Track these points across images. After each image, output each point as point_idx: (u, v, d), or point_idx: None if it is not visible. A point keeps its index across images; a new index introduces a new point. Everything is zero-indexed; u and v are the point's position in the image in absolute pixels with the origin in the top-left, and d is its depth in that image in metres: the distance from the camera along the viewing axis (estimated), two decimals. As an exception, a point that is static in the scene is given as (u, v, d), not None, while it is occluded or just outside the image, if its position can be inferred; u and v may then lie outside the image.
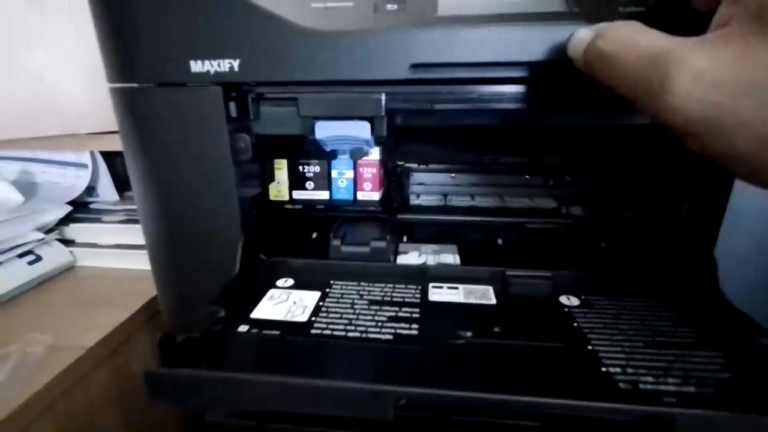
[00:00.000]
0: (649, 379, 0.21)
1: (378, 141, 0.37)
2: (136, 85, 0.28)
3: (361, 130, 0.28)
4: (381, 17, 0.26)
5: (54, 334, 0.44)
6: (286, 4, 0.26)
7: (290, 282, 0.32)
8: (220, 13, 0.25)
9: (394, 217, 0.40)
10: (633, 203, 0.41)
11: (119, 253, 0.61)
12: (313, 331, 0.25)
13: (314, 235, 0.39)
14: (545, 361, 0.23)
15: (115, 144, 0.52)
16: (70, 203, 0.61)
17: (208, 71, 0.27)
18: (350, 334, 0.25)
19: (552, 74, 0.25)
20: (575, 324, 0.26)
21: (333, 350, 0.23)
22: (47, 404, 0.39)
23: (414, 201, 0.49)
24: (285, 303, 0.29)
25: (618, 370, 0.22)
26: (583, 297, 0.29)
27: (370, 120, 0.28)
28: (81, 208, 0.64)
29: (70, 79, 0.48)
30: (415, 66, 0.25)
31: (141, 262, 0.60)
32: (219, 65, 0.26)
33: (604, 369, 0.22)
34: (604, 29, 0.20)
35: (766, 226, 0.26)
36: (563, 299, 0.29)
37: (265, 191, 0.38)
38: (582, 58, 0.21)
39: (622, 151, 0.41)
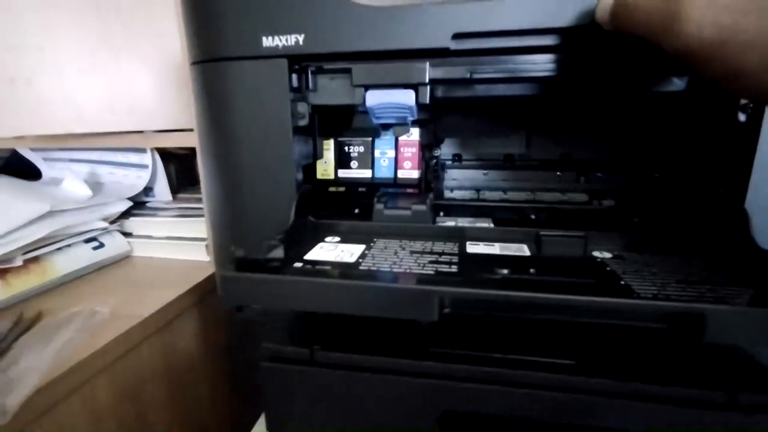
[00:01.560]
0: (680, 302, 0.22)
1: (418, 121, 0.40)
2: (213, 61, 0.33)
3: (407, 97, 0.32)
4: (426, -4, 0.30)
5: (114, 306, 0.48)
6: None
7: (337, 239, 0.34)
8: (289, -6, 0.30)
9: (432, 196, 0.42)
10: (664, 187, 0.42)
11: (170, 244, 0.66)
12: (361, 267, 0.28)
13: (357, 211, 0.42)
14: (578, 289, 0.24)
15: (178, 140, 0.58)
16: (130, 201, 0.68)
17: (277, 45, 0.31)
18: (395, 270, 0.27)
19: (582, 40, 0.28)
20: (608, 268, 0.27)
21: (380, 274, 0.26)
22: (104, 365, 0.42)
23: (448, 195, 0.51)
24: (333, 251, 0.32)
25: (650, 296, 0.23)
26: (616, 253, 0.30)
27: (415, 89, 0.32)
28: (139, 206, 0.71)
29: (143, 82, 0.55)
30: (457, 36, 0.29)
31: (189, 252, 0.64)
32: (287, 40, 0.31)
33: (635, 295, 0.23)
34: None
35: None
36: (596, 253, 0.30)
37: (314, 169, 0.42)
38: (609, 16, 0.24)
39: (653, 138, 0.43)
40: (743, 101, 0.27)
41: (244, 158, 0.34)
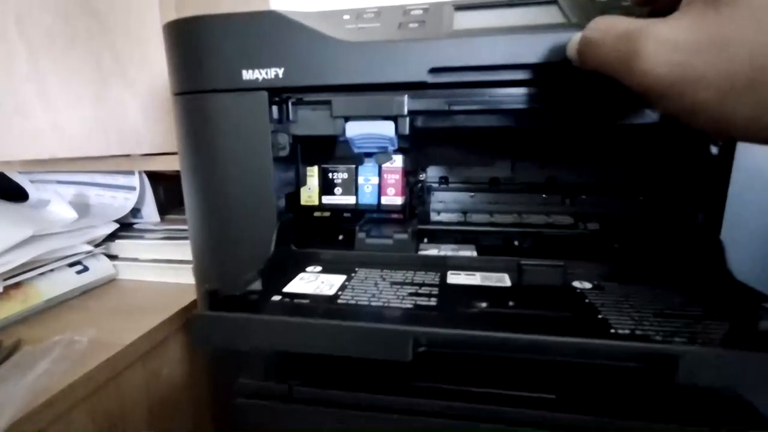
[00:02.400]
0: (657, 338, 0.22)
1: (401, 149, 0.41)
2: (194, 93, 0.33)
3: (387, 128, 0.32)
4: (404, 32, 0.31)
5: (96, 333, 0.47)
6: (323, 24, 0.31)
7: (318, 268, 0.34)
8: (268, 30, 0.31)
9: (416, 222, 0.43)
10: (646, 212, 0.43)
11: (157, 267, 0.65)
12: (339, 301, 0.28)
13: (340, 237, 0.42)
14: (555, 325, 0.24)
15: (163, 164, 0.58)
16: (117, 223, 0.67)
17: (257, 78, 0.31)
18: (373, 304, 0.27)
19: (554, 75, 0.28)
20: (586, 300, 0.27)
21: (356, 310, 0.26)
22: (84, 396, 0.41)
23: (435, 217, 0.51)
24: (313, 282, 0.31)
25: (627, 332, 0.23)
26: (595, 282, 0.31)
27: (395, 120, 0.32)
28: (126, 228, 0.70)
29: (131, 107, 0.55)
30: (434, 70, 0.29)
31: (176, 276, 0.64)
32: (266, 73, 0.31)
33: (612, 330, 0.23)
34: (590, 22, 0.23)
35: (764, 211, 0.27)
36: (576, 284, 0.30)
37: (298, 196, 0.42)
38: (576, 53, 0.25)
39: (633, 166, 0.43)
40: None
41: (225, 187, 0.34)
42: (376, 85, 0.31)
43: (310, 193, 0.43)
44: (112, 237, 0.67)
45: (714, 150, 0.28)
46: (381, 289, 0.30)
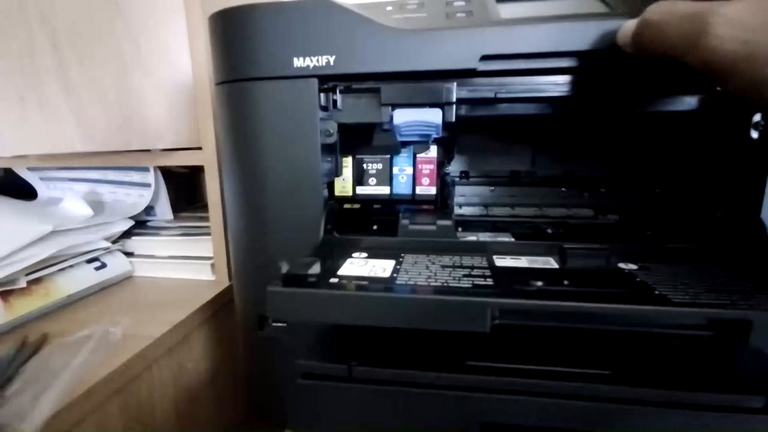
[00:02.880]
0: (729, 309, 0.22)
1: (437, 141, 0.41)
2: (243, 81, 0.34)
3: (434, 116, 0.33)
4: (453, 21, 0.32)
5: (124, 327, 0.47)
6: (369, 14, 0.32)
7: (365, 254, 0.35)
8: (320, 17, 0.31)
9: (450, 211, 0.43)
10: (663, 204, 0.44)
11: (174, 264, 0.65)
12: (399, 282, 0.28)
13: (374, 227, 0.43)
14: (617, 298, 0.25)
15: (184, 159, 0.58)
16: (132, 220, 0.67)
17: (308, 66, 0.32)
18: (432, 284, 0.28)
19: (598, 62, 0.29)
20: (638, 279, 0.28)
21: (422, 288, 0.26)
22: (117, 388, 0.41)
23: (458, 211, 0.52)
24: (365, 267, 0.32)
25: (692, 303, 0.23)
26: (640, 264, 0.32)
27: (442, 108, 0.33)
28: (140, 225, 0.69)
29: (152, 101, 0.55)
30: (485, 57, 0.30)
31: (193, 272, 0.64)
32: (318, 60, 0.32)
33: (676, 303, 0.24)
34: (648, 8, 0.25)
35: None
36: (621, 265, 0.31)
37: (332, 186, 0.42)
38: (630, 39, 0.26)
39: (656, 158, 0.45)
40: (756, 119, 0.29)
41: (272, 175, 0.34)
42: (426, 73, 0.31)
43: (344, 184, 0.43)
44: (127, 234, 0.67)
45: (755, 134, 0.29)
46: (434, 272, 0.30)
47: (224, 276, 0.61)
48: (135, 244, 0.67)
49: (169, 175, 0.72)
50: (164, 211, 0.73)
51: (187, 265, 0.64)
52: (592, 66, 0.30)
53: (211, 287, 0.60)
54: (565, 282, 0.28)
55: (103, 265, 0.61)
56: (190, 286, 0.61)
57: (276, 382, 0.36)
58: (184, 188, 0.86)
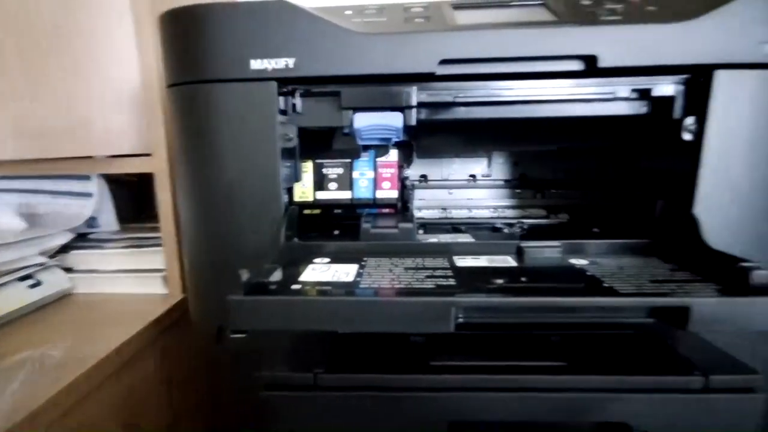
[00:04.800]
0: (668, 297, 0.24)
1: (396, 144, 0.42)
2: (197, 83, 0.32)
3: (395, 119, 0.33)
4: (412, 26, 0.32)
5: (63, 349, 0.43)
6: (331, 17, 0.32)
7: (327, 260, 0.34)
8: (279, 19, 0.31)
9: (411, 214, 0.44)
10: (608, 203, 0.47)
11: (120, 278, 0.61)
12: (362, 285, 0.28)
13: (336, 232, 0.42)
14: (572, 293, 0.26)
15: (133, 166, 0.54)
16: (72, 232, 0.62)
17: (266, 68, 0.31)
18: (396, 286, 0.28)
19: (553, 68, 0.31)
20: (588, 273, 0.30)
21: (385, 291, 0.26)
22: (58, 415, 0.38)
23: (417, 214, 0.53)
24: (327, 272, 0.31)
25: (637, 294, 0.25)
26: (590, 259, 0.33)
27: (402, 111, 0.33)
28: (81, 238, 0.65)
29: (96, 105, 0.52)
30: (444, 61, 0.31)
31: (142, 286, 0.60)
32: (276, 63, 0.31)
33: (622, 293, 0.25)
34: None
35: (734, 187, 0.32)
36: (573, 261, 0.33)
37: (291, 192, 0.42)
38: None
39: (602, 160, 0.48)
40: (687, 122, 0.32)
41: (230, 181, 0.33)
42: (386, 77, 0.32)
43: (304, 189, 0.43)
44: (66, 248, 0.62)
45: (687, 137, 0.32)
46: (398, 274, 0.30)
47: (178, 289, 0.58)
48: (75, 258, 0.62)
49: (115, 183, 0.67)
50: (109, 222, 0.68)
51: (136, 278, 0.60)
52: (544, 72, 0.32)
53: (164, 301, 0.56)
54: (523, 279, 0.29)
55: (38, 283, 0.56)
56: (139, 301, 0.58)
57: (237, 395, 0.34)
58: (133, 197, 0.81)
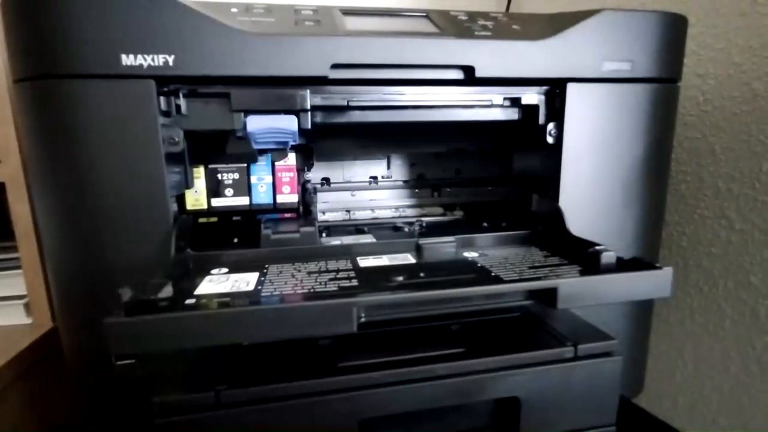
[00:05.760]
0: (538, 281, 0.28)
1: (292, 146, 0.41)
2: (54, 78, 0.28)
3: (290, 123, 0.33)
4: (303, 29, 0.32)
5: None
6: (216, 14, 0.30)
7: (225, 270, 0.32)
8: (154, 11, 0.28)
9: (313, 218, 0.43)
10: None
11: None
12: (264, 294, 0.27)
13: (235, 240, 0.40)
14: (465, 283, 0.28)
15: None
16: None
17: (141, 65, 0.29)
18: (299, 291, 0.27)
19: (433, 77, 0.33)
20: (478, 265, 0.33)
21: (287, 297, 0.26)
22: None
23: (321, 217, 0.53)
24: (226, 282, 0.30)
25: (516, 280, 0.28)
26: (480, 252, 0.36)
27: (297, 114, 0.33)
28: None
29: None
30: (336, 66, 0.31)
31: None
32: (153, 59, 0.29)
33: (506, 280, 0.28)
34: None
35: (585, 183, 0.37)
36: (466, 254, 0.36)
37: (183, 199, 0.39)
38: None
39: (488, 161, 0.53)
40: (549, 127, 0.37)
41: (105, 191, 0.29)
42: (277, 79, 0.31)
43: (197, 196, 0.40)
44: None
45: (550, 140, 0.37)
46: (300, 279, 0.30)
47: (45, 317, 0.50)
48: None
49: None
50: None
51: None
52: (429, 79, 0.34)
53: (28, 332, 0.48)
54: (422, 274, 0.31)
55: None
56: (-6, 334, 0.48)
57: (131, 428, 0.31)
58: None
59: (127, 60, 0.28)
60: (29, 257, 0.48)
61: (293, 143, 0.35)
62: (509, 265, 0.32)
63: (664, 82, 0.38)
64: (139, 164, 0.30)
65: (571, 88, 0.35)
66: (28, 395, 0.45)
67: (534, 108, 0.37)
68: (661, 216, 0.43)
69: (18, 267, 0.49)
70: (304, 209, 0.45)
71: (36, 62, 0.28)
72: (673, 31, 0.37)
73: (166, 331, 0.20)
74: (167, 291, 0.25)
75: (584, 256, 0.30)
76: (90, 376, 0.32)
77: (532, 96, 0.36)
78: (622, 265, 0.29)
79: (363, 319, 0.23)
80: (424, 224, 0.49)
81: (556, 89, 0.36)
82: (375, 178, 0.58)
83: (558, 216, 0.37)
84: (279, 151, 0.37)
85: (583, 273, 0.28)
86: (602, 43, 0.35)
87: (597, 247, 0.30)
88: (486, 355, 0.29)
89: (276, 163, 0.42)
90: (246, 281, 0.30)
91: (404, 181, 0.58)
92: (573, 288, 0.25)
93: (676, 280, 0.52)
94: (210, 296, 0.27)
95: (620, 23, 0.35)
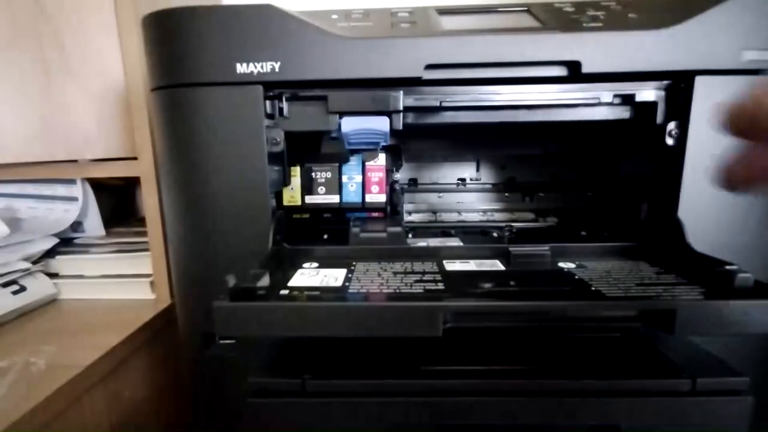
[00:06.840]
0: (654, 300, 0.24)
1: (385, 148, 0.42)
2: (181, 87, 0.32)
3: (382, 124, 0.33)
4: (398, 31, 0.32)
5: (49, 355, 0.43)
6: (315, 22, 0.32)
7: (315, 264, 0.34)
8: (264, 22, 0.31)
9: (400, 218, 0.44)
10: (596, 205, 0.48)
11: (106, 284, 0.60)
12: (351, 291, 0.28)
13: (325, 236, 0.42)
14: (560, 296, 0.26)
15: (118, 170, 0.54)
16: (56, 237, 0.61)
17: (252, 72, 0.31)
18: (385, 291, 0.28)
19: (538, 72, 0.31)
20: (576, 277, 0.30)
21: (373, 296, 0.26)
22: (42, 424, 0.37)
23: (407, 218, 0.53)
24: (316, 277, 0.31)
25: (620, 296, 0.25)
26: (578, 263, 0.34)
27: (389, 115, 0.33)
28: (66, 243, 0.64)
29: (79, 108, 0.51)
30: (430, 66, 0.31)
31: (129, 291, 0.59)
32: (262, 67, 0.31)
33: (609, 296, 0.25)
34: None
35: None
36: (561, 264, 0.33)
37: (281, 196, 0.41)
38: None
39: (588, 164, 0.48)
40: (670, 127, 0.32)
41: (216, 186, 0.33)
42: (372, 81, 0.32)
43: (292, 193, 0.42)
44: (50, 253, 0.61)
45: (670, 141, 0.33)
46: (386, 279, 0.30)
47: (165, 294, 0.57)
48: (60, 264, 0.61)
49: (101, 187, 0.66)
50: (95, 226, 0.67)
51: (123, 284, 0.59)
52: (529, 77, 0.32)
53: (151, 307, 0.56)
54: (512, 283, 0.29)
55: (22, 289, 0.55)
56: (126, 306, 0.57)
57: (225, 402, 0.34)
58: (119, 201, 0.80)
59: (241, 68, 0.31)
60: (156, 241, 0.55)
61: (384, 144, 0.36)
62: (612, 279, 0.29)
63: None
64: (247, 163, 0.32)
65: (700, 82, 0.30)
66: (147, 362, 0.52)
67: (651, 105, 0.33)
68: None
69: (146, 249, 0.57)
70: (392, 209, 0.46)
71: (167, 73, 0.32)
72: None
73: (262, 318, 0.22)
74: (265, 281, 0.27)
75: (710, 276, 0.26)
76: (196, 349, 0.36)
77: (648, 92, 0.32)
78: (760, 290, 0.24)
79: (449, 325, 0.22)
80: (513, 230, 0.46)
81: (680, 83, 0.31)
82: (463, 180, 0.56)
83: (676, 228, 0.33)
84: (370, 151, 0.38)
85: (709, 296, 0.24)
86: (741, 30, 0.30)
87: (728, 267, 0.26)
88: (581, 376, 0.27)
89: (366, 163, 0.43)
90: (335, 276, 0.31)
91: (493, 184, 0.56)
92: (696, 312, 0.22)
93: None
94: (301, 288, 0.28)
95: (764, 6, 0.30)
